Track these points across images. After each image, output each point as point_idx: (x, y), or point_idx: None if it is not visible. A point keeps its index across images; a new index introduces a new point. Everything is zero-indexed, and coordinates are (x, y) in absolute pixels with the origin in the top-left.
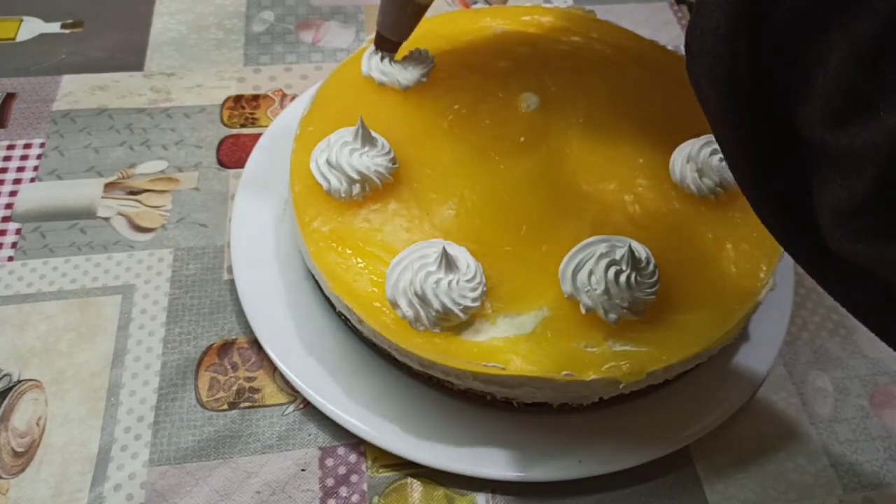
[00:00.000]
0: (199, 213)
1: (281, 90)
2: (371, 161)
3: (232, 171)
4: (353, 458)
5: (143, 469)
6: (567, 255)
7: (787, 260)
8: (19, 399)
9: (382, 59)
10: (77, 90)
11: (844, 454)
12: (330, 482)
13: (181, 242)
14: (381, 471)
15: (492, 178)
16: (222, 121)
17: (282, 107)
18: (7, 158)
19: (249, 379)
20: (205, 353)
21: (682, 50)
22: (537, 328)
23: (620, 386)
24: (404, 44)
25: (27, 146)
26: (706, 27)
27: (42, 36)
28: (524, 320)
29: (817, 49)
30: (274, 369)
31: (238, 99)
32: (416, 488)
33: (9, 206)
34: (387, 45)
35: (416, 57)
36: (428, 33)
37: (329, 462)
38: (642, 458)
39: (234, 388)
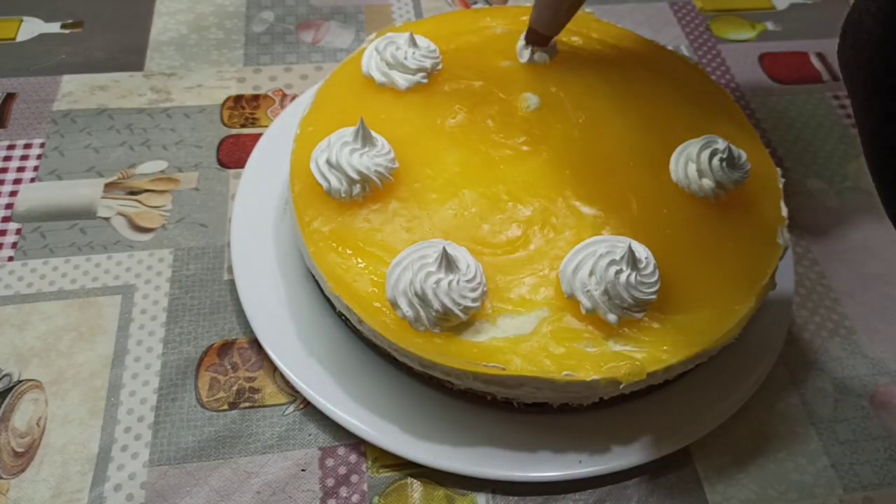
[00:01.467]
0: (199, 213)
1: (281, 90)
2: (371, 161)
3: (232, 171)
4: (353, 458)
5: (143, 469)
6: (567, 255)
7: (787, 260)
8: (19, 399)
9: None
10: (77, 90)
11: (844, 454)
12: (330, 482)
13: (181, 242)
14: (381, 471)
15: (492, 178)
16: (222, 121)
17: (282, 107)
18: (7, 158)
19: (249, 379)
20: (205, 353)
21: (683, 50)
22: (537, 328)
23: (620, 386)
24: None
25: (27, 146)
26: (865, 9)
27: (42, 36)
28: (524, 320)
29: None
30: (274, 369)
31: (238, 99)
32: (416, 488)
33: (9, 206)
34: (539, 39)
35: (426, 54)
36: (428, 33)
37: (329, 462)
38: (642, 458)
39: (235, 388)
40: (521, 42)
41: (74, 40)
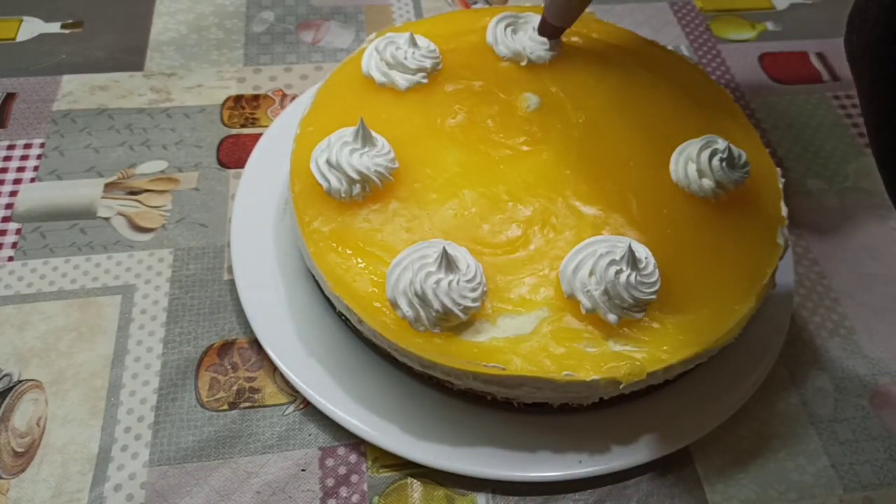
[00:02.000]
0: (199, 213)
1: (281, 90)
2: (371, 161)
3: (232, 171)
4: (353, 458)
5: (143, 469)
6: (567, 255)
7: (787, 260)
8: (19, 399)
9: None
10: (77, 90)
11: (844, 454)
12: (330, 482)
13: (181, 242)
14: (381, 471)
15: (492, 178)
16: (222, 121)
17: (282, 107)
18: (7, 158)
19: (249, 379)
20: (205, 353)
21: (683, 50)
22: (537, 328)
23: (620, 386)
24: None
25: (27, 146)
26: None
27: (42, 36)
28: (524, 320)
29: None
30: (274, 369)
31: (238, 99)
32: (416, 488)
33: (9, 206)
34: (551, 31)
35: (426, 54)
36: (428, 33)
37: (329, 462)
38: (642, 458)
39: (235, 388)
40: (493, 22)
41: (74, 40)
